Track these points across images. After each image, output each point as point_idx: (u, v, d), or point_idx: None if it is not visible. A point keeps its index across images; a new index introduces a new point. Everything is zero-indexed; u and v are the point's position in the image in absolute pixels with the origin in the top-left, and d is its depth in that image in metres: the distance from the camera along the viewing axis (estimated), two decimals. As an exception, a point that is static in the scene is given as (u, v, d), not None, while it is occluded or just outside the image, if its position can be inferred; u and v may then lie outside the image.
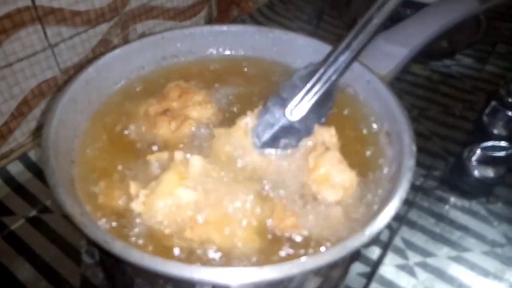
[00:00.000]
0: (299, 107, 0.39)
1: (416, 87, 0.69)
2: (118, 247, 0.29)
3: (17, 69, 0.51)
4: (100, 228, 0.31)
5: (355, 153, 0.41)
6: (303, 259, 0.29)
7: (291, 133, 0.39)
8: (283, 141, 0.39)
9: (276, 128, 0.39)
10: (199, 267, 0.28)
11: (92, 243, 0.43)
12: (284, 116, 0.39)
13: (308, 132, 0.40)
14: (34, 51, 0.52)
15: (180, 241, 0.33)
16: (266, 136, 0.39)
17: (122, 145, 0.40)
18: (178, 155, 0.36)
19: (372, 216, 0.34)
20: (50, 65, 0.54)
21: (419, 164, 0.36)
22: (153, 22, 0.66)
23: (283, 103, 0.40)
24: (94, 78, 0.43)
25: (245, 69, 0.51)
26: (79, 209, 0.31)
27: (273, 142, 0.39)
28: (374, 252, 0.47)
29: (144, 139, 0.41)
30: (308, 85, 0.39)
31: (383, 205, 0.33)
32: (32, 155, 0.55)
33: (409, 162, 0.36)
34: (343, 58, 0.38)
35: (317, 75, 0.39)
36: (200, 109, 0.42)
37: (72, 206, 0.31)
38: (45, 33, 0.52)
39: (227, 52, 0.52)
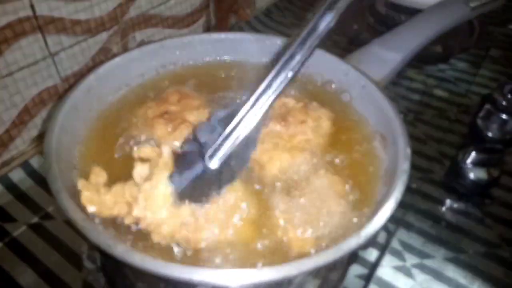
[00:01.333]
0: (219, 153, 0.34)
1: (412, 92, 0.70)
2: (120, 251, 0.29)
3: (18, 77, 0.52)
4: (102, 232, 0.31)
5: (350, 157, 0.42)
6: (300, 260, 0.30)
7: (212, 182, 0.35)
8: (202, 192, 0.34)
9: (194, 175, 0.34)
10: (199, 269, 0.29)
11: (94, 248, 0.44)
12: (203, 162, 0.34)
13: (230, 179, 0.35)
14: (35, 60, 0.52)
15: (176, 243, 0.34)
16: (184, 184, 0.34)
17: (122, 149, 0.41)
18: (165, 149, 0.36)
19: (368, 218, 0.34)
20: (51, 74, 0.55)
21: (415, 167, 0.37)
22: (152, 30, 0.67)
23: (201, 147, 0.35)
24: (94, 86, 0.44)
25: (243, 76, 0.52)
26: (81, 214, 0.32)
27: (192, 192, 0.34)
28: (372, 254, 0.47)
29: (143, 142, 0.42)
30: (228, 130, 0.34)
31: (379, 207, 0.34)
32: (33, 162, 0.56)
33: (404, 165, 0.37)
34: (268, 96, 0.34)
35: (238, 118, 0.34)
36: (197, 114, 0.43)
37: (75, 211, 0.32)
38: (45, 42, 0.52)
39: (226, 60, 0.53)
